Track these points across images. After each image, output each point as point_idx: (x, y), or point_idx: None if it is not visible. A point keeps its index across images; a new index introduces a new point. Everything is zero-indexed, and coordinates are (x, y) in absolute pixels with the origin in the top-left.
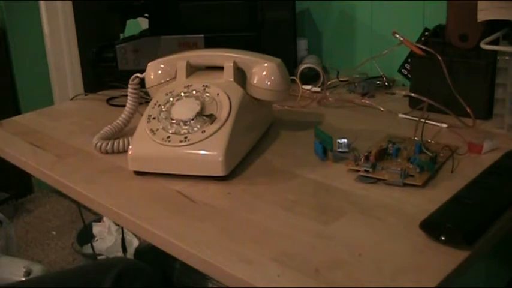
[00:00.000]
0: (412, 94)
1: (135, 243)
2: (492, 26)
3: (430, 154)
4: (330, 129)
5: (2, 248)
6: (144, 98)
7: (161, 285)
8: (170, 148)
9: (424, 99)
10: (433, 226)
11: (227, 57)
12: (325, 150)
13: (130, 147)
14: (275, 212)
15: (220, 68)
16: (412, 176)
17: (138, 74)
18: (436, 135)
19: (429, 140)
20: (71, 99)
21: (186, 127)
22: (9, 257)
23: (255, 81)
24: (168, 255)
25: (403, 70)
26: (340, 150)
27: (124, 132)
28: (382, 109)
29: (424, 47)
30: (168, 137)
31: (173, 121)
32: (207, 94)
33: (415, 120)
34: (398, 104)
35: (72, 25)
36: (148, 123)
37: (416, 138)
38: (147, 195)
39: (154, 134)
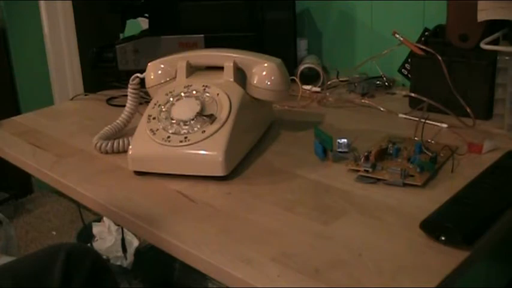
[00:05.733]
0: (412, 94)
1: (135, 243)
2: (492, 26)
3: (430, 154)
4: (330, 129)
5: (2, 248)
6: (144, 98)
7: (105, 264)
8: (170, 148)
9: (424, 99)
10: (433, 226)
11: (227, 57)
12: (325, 150)
13: (130, 147)
14: (275, 212)
15: (220, 68)
16: (412, 176)
17: (138, 74)
18: (436, 135)
19: (429, 140)
20: (71, 99)
21: (186, 127)
22: (9, 257)
23: (255, 81)
24: (168, 255)
25: (403, 70)
26: (340, 150)
27: (124, 132)
28: (382, 109)
29: (424, 47)
30: (168, 137)
31: (173, 121)
32: (207, 94)
33: (415, 120)
34: (398, 104)
35: (72, 25)
36: (148, 123)
37: (416, 138)
38: (147, 195)
39: (154, 134)
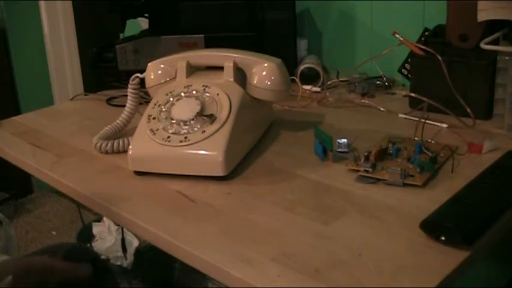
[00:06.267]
0: (412, 94)
1: (135, 243)
2: (492, 26)
3: (430, 154)
4: (330, 129)
5: (2, 248)
6: (144, 98)
7: (105, 264)
8: (170, 148)
9: (424, 99)
10: (433, 226)
11: (227, 57)
12: (325, 150)
13: (130, 147)
14: (275, 212)
15: (220, 68)
16: (412, 176)
17: (138, 74)
18: (436, 135)
19: (429, 140)
20: (71, 99)
21: (186, 127)
22: (9, 257)
23: (255, 81)
24: (168, 255)
25: (403, 70)
26: (340, 150)
27: (124, 132)
28: (382, 109)
29: (424, 47)
30: (168, 137)
31: (173, 121)
32: (207, 94)
33: (415, 120)
34: (398, 104)
35: (72, 25)
36: (148, 123)
37: (416, 138)
38: (147, 195)
39: (154, 134)
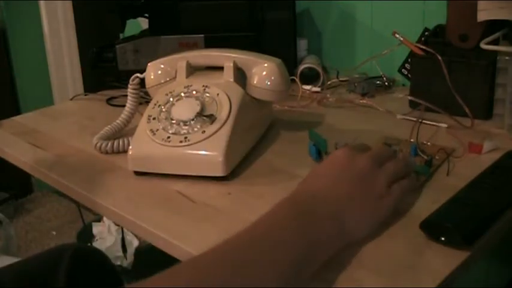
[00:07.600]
0: (409, 97)
1: (135, 243)
2: (492, 26)
3: (425, 157)
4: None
5: (2, 248)
6: (144, 98)
7: (111, 265)
8: (170, 148)
9: (420, 101)
10: (433, 226)
11: (227, 57)
12: (320, 152)
13: (130, 147)
14: None
15: (220, 68)
16: None
17: (138, 74)
18: (435, 135)
19: (425, 142)
20: (71, 99)
21: (186, 127)
22: (9, 257)
23: (255, 82)
24: (168, 255)
25: (403, 70)
26: None
27: (124, 132)
28: (381, 109)
29: (424, 47)
30: (168, 137)
31: (173, 121)
32: (207, 94)
33: (414, 121)
34: (398, 104)
35: (72, 25)
36: (148, 124)
37: (412, 140)
38: (147, 195)
39: (154, 134)
